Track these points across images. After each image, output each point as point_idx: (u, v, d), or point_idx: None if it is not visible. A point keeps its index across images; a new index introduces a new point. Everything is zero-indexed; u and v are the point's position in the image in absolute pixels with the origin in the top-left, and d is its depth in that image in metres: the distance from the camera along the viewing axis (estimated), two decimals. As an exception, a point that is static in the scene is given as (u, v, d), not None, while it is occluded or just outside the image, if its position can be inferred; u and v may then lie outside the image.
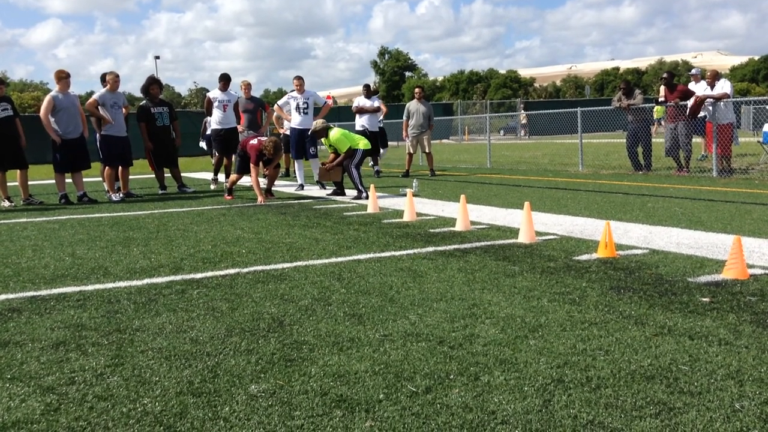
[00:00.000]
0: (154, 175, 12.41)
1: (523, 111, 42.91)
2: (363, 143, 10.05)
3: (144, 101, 11.90)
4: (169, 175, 12.18)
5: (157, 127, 11.59)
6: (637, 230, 6.17)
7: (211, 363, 3.00)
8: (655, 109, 13.86)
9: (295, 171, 15.86)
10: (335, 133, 9.89)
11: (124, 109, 11.06)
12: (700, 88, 12.70)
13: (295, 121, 11.69)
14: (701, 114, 12.12)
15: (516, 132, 43.45)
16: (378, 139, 14.63)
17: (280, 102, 12.41)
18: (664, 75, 13.28)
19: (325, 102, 12.31)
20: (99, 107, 10.62)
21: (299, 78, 11.93)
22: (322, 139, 10.16)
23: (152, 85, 11.76)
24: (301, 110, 11.61)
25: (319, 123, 10.17)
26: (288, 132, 14.53)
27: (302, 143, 11.63)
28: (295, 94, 11.88)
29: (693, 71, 14.72)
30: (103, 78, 11.21)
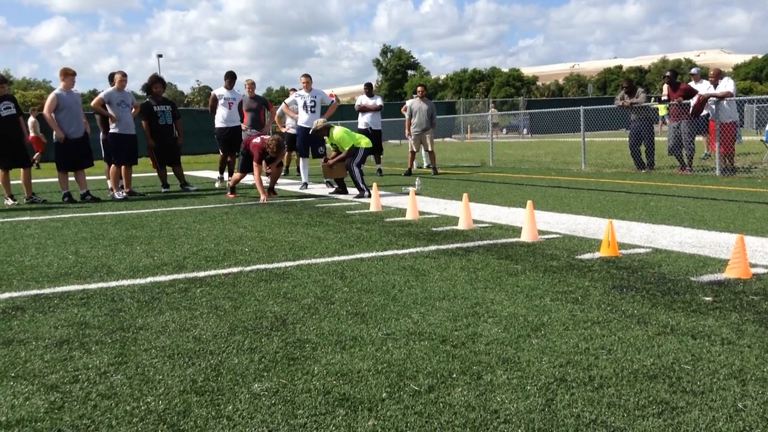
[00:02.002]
0: (156, 174, 12.43)
1: (493, 110, 42.24)
2: (365, 142, 10.06)
3: (147, 99, 11.93)
4: (172, 173, 12.20)
5: (159, 125, 11.62)
6: (640, 229, 6.17)
7: (215, 361, 3.01)
8: (659, 107, 13.87)
9: (297, 169, 15.90)
10: (338, 131, 9.90)
11: (133, 109, 11.10)
12: (702, 88, 12.69)
13: (302, 119, 11.67)
14: (704, 113, 12.10)
15: (519, 130, 43.23)
16: (380, 137, 14.68)
17: (287, 101, 12.38)
18: (667, 73, 13.26)
19: (332, 101, 12.32)
20: (105, 105, 10.65)
21: (307, 76, 11.90)
22: (325, 138, 10.19)
23: (155, 83, 11.79)
24: (309, 108, 11.56)
25: (319, 122, 10.19)
26: (291, 131, 14.56)
27: (309, 141, 11.63)
28: (302, 92, 11.87)
29: (693, 70, 14.70)
30: (111, 77, 11.25)
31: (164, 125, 11.67)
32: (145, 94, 12.12)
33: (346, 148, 9.85)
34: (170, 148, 11.89)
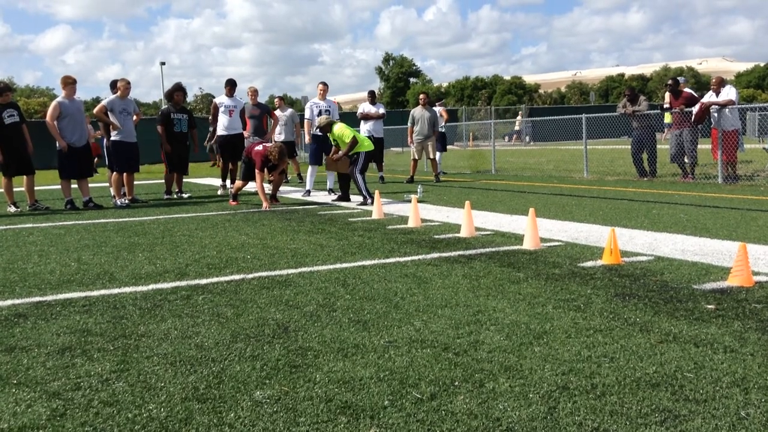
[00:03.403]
0: (163, 179, 12.46)
1: (520, 117, 42.57)
2: (366, 144, 10.12)
3: (166, 106, 12.09)
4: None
5: (175, 132, 11.69)
6: (642, 237, 6.16)
7: (216, 369, 3.01)
8: (666, 115, 13.95)
9: (299, 176, 15.89)
10: (338, 127, 10.06)
11: (135, 116, 11.13)
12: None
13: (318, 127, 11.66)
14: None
15: (520, 137, 43.37)
16: (382, 145, 14.71)
17: (307, 115, 11.97)
18: (669, 81, 13.28)
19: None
20: (108, 113, 10.68)
21: (324, 84, 12.04)
22: (328, 134, 10.27)
23: (177, 91, 11.96)
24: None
25: (323, 119, 10.36)
26: (279, 137, 14.29)
27: (322, 150, 11.61)
28: (316, 100, 11.94)
29: (680, 79, 14.65)
30: (112, 84, 11.30)
31: (179, 132, 11.77)
32: (166, 100, 12.26)
33: (347, 141, 9.91)
34: (181, 155, 11.94)
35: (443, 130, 16.72)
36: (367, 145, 10.12)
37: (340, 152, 9.98)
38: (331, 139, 10.30)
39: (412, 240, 6.39)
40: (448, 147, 18.65)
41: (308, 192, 11.75)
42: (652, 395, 2.58)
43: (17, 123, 10.12)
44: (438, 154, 15.97)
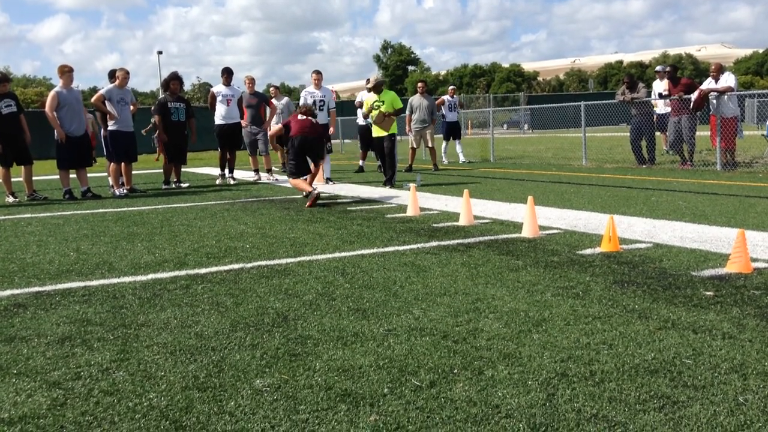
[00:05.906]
0: (161, 169, 12.43)
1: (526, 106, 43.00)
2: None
3: (163, 95, 12.03)
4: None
5: (172, 121, 11.64)
6: (641, 224, 6.17)
7: (216, 358, 3.01)
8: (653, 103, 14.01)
9: (283, 165, 15.79)
10: (391, 94, 10.47)
11: (132, 106, 11.08)
12: (660, 87, 13.10)
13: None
14: (663, 111, 12.52)
15: (519, 126, 43.40)
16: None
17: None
18: (667, 68, 13.25)
19: (334, 106, 12.18)
20: (105, 102, 10.65)
21: (318, 73, 11.78)
22: (373, 95, 10.49)
23: (173, 80, 11.89)
24: (317, 106, 11.29)
25: (378, 75, 10.71)
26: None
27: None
28: (311, 89, 11.72)
29: (658, 68, 14.58)
30: (111, 74, 11.25)
31: (177, 122, 11.71)
32: (162, 90, 12.20)
33: (397, 107, 10.34)
34: (179, 145, 11.90)
35: (456, 120, 16.75)
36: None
37: (388, 114, 10.23)
38: (376, 99, 10.39)
39: (411, 228, 6.39)
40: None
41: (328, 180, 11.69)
42: (650, 382, 2.59)
43: (15, 113, 10.09)
44: (458, 143, 16.36)
